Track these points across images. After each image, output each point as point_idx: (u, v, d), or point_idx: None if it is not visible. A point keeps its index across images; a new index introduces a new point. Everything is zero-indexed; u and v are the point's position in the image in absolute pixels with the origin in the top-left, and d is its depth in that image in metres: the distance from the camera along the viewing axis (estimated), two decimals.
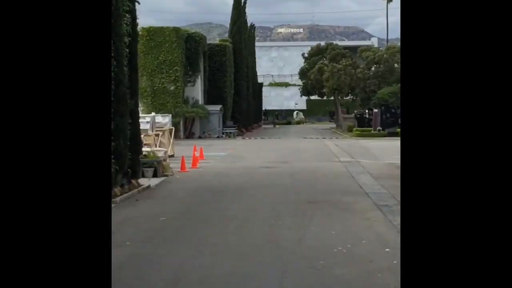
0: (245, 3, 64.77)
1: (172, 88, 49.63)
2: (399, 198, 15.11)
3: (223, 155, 31.66)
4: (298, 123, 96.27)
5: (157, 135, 27.72)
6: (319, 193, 16.73)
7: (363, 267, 8.70)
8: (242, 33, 62.61)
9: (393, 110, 52.28)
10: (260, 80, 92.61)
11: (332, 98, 74.46)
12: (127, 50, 17.07)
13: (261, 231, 11.46)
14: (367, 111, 60.21)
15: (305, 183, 19.28)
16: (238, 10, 62.10)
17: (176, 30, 50.44)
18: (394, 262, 8.63)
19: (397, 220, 12.16)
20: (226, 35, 61.53)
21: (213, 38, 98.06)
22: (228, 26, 64.58)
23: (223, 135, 54.05)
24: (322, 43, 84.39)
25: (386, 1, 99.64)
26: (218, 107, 54.38)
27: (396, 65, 71.13)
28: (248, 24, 72.55)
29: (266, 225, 12.09)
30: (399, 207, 13.86)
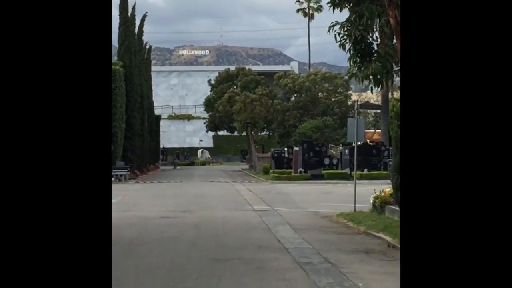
0: (133, 15, 63.99)
1: None
2: (324, 255, 15.10)
3: (112, 203, 31.14)
4: (204, 163, 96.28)
5: None
6: (228, 249, 16.55)
7: None
8: (132, 54, 62.07)
9: (317, 148, 52.75)
10: (157, 112, 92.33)
11: (245, 133, 74.46)
12: None
13: None
14: (286, 149, 60.70)
15: (211, 237, 19.07)
16: (126, 26, 61.57)
17: None
18: None
19: (323, 281, 12.10)
20: (116, 57, 60.92)
21: None
22: (117, 46, 64.18)
23: (113, 178, 53.32)
24: (232, 68, 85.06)
25: (307, 19, 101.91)
26: None
27: (320, 94, 71.85)
28: (144, 44, 72.36)
29: None
30: (324, 265, 13.81)
